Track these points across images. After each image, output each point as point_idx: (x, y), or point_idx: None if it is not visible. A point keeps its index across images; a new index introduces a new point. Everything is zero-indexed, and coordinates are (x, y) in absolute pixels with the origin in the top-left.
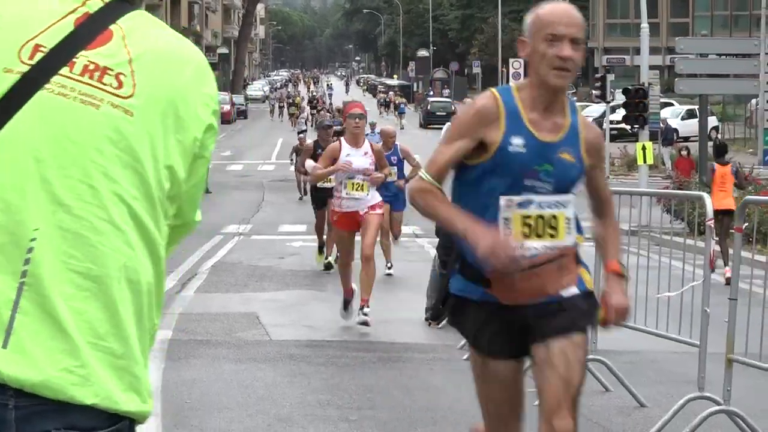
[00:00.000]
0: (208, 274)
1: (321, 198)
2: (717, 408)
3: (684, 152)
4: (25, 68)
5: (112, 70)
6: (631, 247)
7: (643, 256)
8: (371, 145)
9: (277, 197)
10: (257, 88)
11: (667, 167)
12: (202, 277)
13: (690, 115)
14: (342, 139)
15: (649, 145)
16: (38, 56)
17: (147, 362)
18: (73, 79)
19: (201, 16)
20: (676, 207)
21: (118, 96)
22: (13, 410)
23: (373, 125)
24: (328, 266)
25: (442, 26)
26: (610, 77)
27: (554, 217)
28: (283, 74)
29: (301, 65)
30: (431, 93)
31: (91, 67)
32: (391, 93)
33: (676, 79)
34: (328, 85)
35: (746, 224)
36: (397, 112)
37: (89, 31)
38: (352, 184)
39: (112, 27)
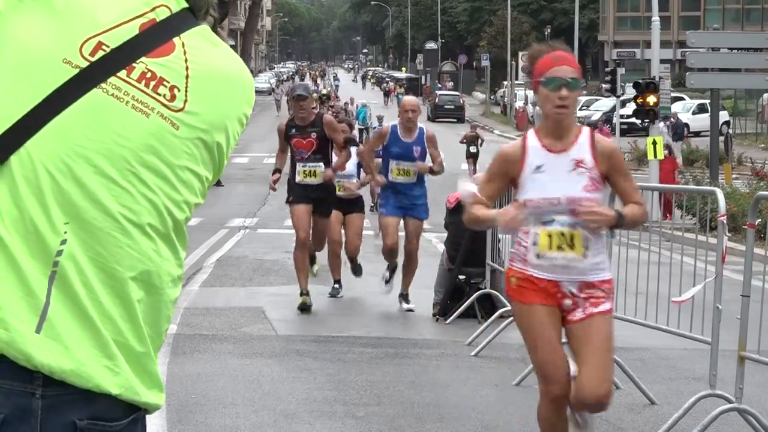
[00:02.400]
0: (213, 268)
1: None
2: (729, 406)
3: (666, 151)
4: (85, 64)
5: (168, 81)
6: (642, 242)
7: (654, 252)
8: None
9: (284, 190)
10: (263, 80)
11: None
12: (207, 271)
13: (701, 109)
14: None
15: (659, 139)
16: (99, 54)
17: (157, 360)
18: (129, 84)
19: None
20: (688, 203)
21: (168, 108)
22: (40, 399)
23: (380, 118)
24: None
25: (450, 18)
26: (621, 71)
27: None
28: (290, 66)
29: (308, 57)
30: (439, 86)
31: (149, 75)
32: (392, 83)
33: (687, 73)
34: (334, 76)
35: (759, 220)
36: (396, 100)
37: (153, 39)
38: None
39: (175, 40)
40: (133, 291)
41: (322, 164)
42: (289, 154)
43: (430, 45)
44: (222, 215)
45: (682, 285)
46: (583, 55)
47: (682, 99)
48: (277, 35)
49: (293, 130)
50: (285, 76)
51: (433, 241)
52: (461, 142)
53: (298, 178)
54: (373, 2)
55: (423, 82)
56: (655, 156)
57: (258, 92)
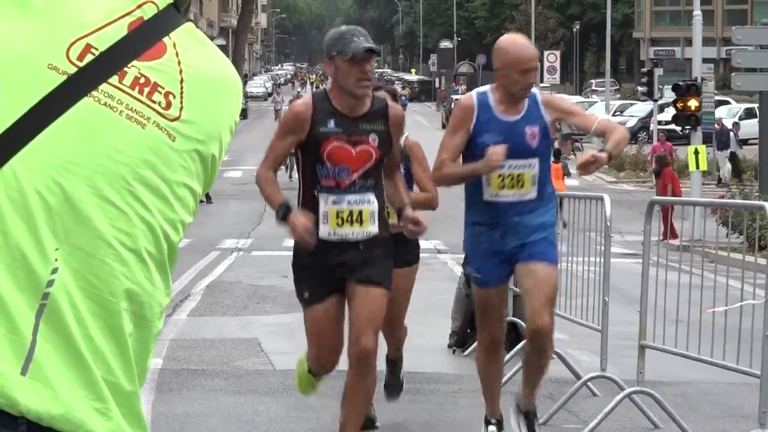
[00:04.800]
0: (202, 295)
1: None
2: None
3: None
4: (73, 69)
5: (162, 87)
6: (683, 264)
7: (696, 274)
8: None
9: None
10: (258, 84)
11: (723, 174)
12: (195, 299)
13: (748, 114)
14: None
15: (702, 149)
16: (88, 58)
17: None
18: (123, 91)
19: (195, 2)
20: (734, 219)
21: (164, 117)
22: None
23: None
24: None
25: (467, 14)
26: (658, 72)
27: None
28: (288, 68)
29: (308, 58)
30: (455, 89)
31: (142, 80)
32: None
33: (733, 74)
34: None
35: None
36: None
37: (143, 39)
38: None
39: (166, 40)
40: (126, 324)
41: (373, 198)
42: (297, 174)
43: (445, 44)
44: (212, 235)
45: (727, 312)
46: (616, 54)
47: (727, 103)
48: (273, 34)
49: (329, 123)
50: (282, 79)
51: (449, 263)
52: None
53: (325, 230)
54: None
55: (437, 85)
56: (698, 167)
57: (252, 97)
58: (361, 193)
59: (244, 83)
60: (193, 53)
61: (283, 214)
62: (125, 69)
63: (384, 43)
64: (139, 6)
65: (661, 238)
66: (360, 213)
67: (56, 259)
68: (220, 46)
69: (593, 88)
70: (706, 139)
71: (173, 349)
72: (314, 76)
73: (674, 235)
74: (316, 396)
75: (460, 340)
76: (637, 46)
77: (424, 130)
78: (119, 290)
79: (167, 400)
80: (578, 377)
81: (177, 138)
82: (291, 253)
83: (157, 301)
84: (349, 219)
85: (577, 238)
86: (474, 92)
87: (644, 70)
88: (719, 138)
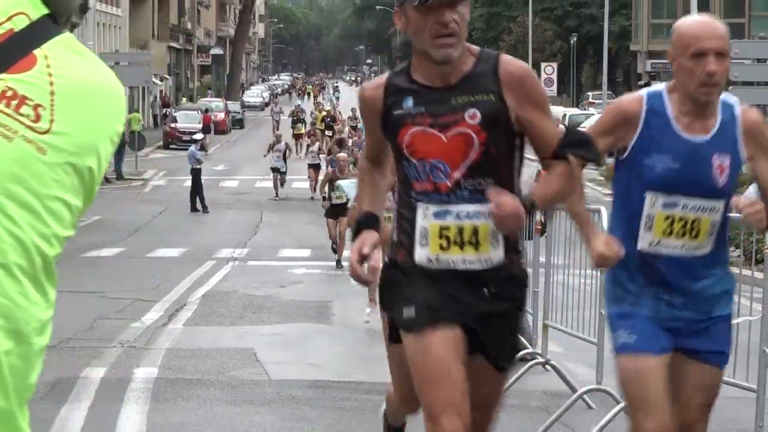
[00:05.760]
0: (198, 304)
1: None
2: None
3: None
4: None
5: (31, 100)
6: None
7: None
8: None
9: (278, 217)
10: (255, 93)
11: None
12: (191, 308)
13: None
14: None
15: None
16: None
17: (26, 413)
18: None
19: (192, 12)
20: (730, 233)
21: (33, 130)
22: None
23: None
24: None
25: None
26: (656, 84)
27: None
28: (285, 78)
29: (305, 68)
30: None
31: (9, 93)
32: None
33: (730, 88)
34: (335, 87)
35: None
36: None
37: (12, 52)
38: None
39: (37, 52)
40: (0, 342)
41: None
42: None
43: None
44: (208, 245)
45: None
46: (613, 66)
47: None
48: (270, 44)
49: (406, 103)
50: (279, 90)
51: None
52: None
53: (423, 254)
54: (378, 7)
55: None
56: None
57: (249, 107)
58: (473, 200)
59: (241, 93)
60: (66, 64)
61: (356, 231)
62: None
63: (381, 54)
64: (9, 18)
65: None
66: (474, 231)
67: None
68: (218, 56)
69: (590, 100)
70: None
71: (168, 359)
72: (311, 86)
73: None
74: (312, 407)
75: None
76: (635, 58)
77: None
78: None
79: (162, 409)
80: (574, 390)
81: (48, 151)
82: (285, 263)
83: (35, 316)
84: (458, 240)
85: (574, 250)
86: (644, 91)
87: (641, 82)
88: None
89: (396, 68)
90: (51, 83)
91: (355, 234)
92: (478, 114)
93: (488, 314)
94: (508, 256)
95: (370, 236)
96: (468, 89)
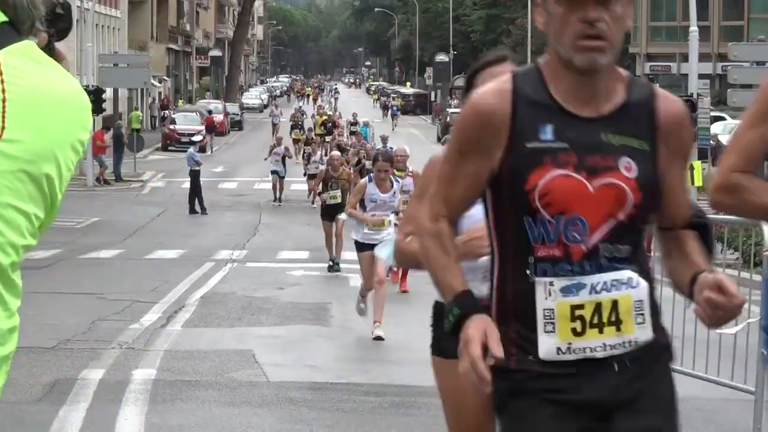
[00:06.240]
0: (197, 306)
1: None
2: None
3: None
4: None
5: None
6: None
7: None
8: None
9: (276, 219)
10: (254, 95)
11: None
12: (190, 310)
13: None
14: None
15: (697, 164)
16: None
17: None
18: None
19: (191, 13)
20: (729, 235)
21: None
22: None
23: (385, 139)
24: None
25: (463, 28)
26: None
27: None
28: (284, 80)
29: (303, 70)
30: (451, 103)
31: None
32: (384, 98)
33: (729, 90)
34: (334, 89)
35: None
36: (389, 114)
37: None
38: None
39: None
40: None
41: (636, 278)
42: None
43: (441, 57)
44: (207, 247)
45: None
46: None
47: (722, 119)
48: (269, 45)
49: (544, 132)
50: (278, 91)
51: None
52: None
53: (550, 344)
54: (377, 9)
55: (432, 98)
56: (693, 183)
57: (248, 109)
58: (613, 268)
59: (240, 95)
60: (21, 72)
61: (456, 320)
62: None
63: (380, 56)
64: None
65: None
66: (614, 305)
67: None
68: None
69: None
70: (702, 155)
71: (167, 360)
72: (310, 89)
73: None
74: (310, 408)
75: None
76: (633, 61)
77: (419, 144)
78: None
79: (161, 411)
80: None
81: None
82: (284, 265)
83: None
84: (596, 320)
85: None
86: None
87: None
88: (715, 154)
89: (521, 68)
90: (3, 90)
91: (455, 325)
92: (634, 167)
93: (631, 393)
94: (656, 334)
95: (490, 327)
96: (621, 127)
